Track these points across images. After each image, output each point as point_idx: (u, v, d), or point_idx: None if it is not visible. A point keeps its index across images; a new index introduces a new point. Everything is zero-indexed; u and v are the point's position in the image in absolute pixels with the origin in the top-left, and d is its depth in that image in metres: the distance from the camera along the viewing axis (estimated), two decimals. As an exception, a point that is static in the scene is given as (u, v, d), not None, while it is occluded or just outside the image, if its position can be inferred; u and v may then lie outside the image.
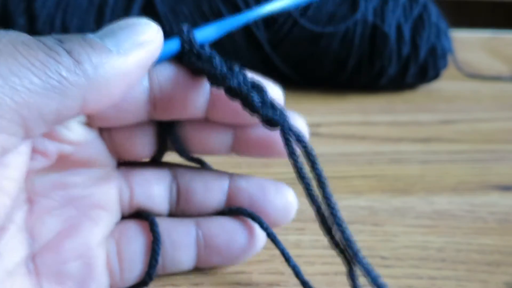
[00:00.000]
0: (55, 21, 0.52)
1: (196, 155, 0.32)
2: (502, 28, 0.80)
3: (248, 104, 0.26)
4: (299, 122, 0.29)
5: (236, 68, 0.27)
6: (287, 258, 0.30)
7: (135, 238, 0.30)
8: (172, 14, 0.53)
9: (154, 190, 0.30)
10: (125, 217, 0.31)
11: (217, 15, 0.53)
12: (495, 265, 0.33)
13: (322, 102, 0.56)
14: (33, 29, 0.52)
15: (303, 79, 0.57)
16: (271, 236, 0.30)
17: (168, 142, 0.30)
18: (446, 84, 0.60)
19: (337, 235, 0.26)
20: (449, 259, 0.33)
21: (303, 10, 0.54)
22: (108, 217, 0.29)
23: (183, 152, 0.30)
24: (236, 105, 0.27)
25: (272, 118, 0.26)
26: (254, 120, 0.27)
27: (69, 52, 0.22)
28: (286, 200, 0.31)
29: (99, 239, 0.28)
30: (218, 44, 0.54)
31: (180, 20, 0.53)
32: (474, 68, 0.65)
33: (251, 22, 0.49)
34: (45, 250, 0.27)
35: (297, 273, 0.29)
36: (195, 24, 0.53)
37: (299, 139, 0.26)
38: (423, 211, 0.38)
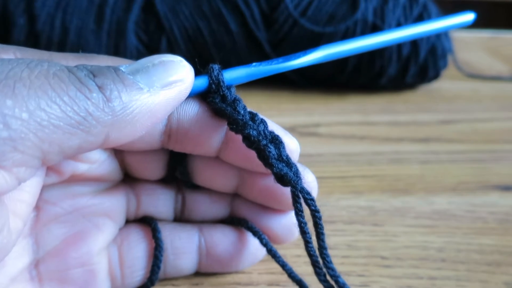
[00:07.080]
0: (55, 21, 0.52)
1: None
2: (502, 28, 0.80)
3: (263, 157, 0.26)
4: (309, 177, 0.28)
5: (258, 117, 0.26)
6: (289, 274, 0.30)
7: (137, 244, 0.30)
8: (172, 14, 0.53)
9: (160, 199, 0.31)
10: (128, 221, 0.31)
11: (217, 15, 0.53)
12: (495, 265, 0.33)
13: (322, 102, 0.56)
14: (33, 29, 0.52)
15: (303, 79, 0.57)
16: (271, 253, 0.30)
17: (177, 172, 0.30)
18: (446, 84, 0.60)
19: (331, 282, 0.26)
20: (449, 259, 0.33)
21: (303, 10, 0.54)
22: (113, 225, 0.29)
23: (189, 184, 0.30)
24: (249, 151, 0.26)
25: (285, 176, 0.25)
26: (266, 170, 0.26)
27: (100, 88, 0.22)
28: (291, 221, 0.30)
29: (102, 245, 0.28)
30: (219, 44, 0.55)
31: (180, 20, 0.53)
32: (474, 68, 0.65)
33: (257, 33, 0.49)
34: (49, 256, 0.27)
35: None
36: (195, 23, 0.53)
37: (308, 203, 0.25)
38: (423, 211, 0.38)
